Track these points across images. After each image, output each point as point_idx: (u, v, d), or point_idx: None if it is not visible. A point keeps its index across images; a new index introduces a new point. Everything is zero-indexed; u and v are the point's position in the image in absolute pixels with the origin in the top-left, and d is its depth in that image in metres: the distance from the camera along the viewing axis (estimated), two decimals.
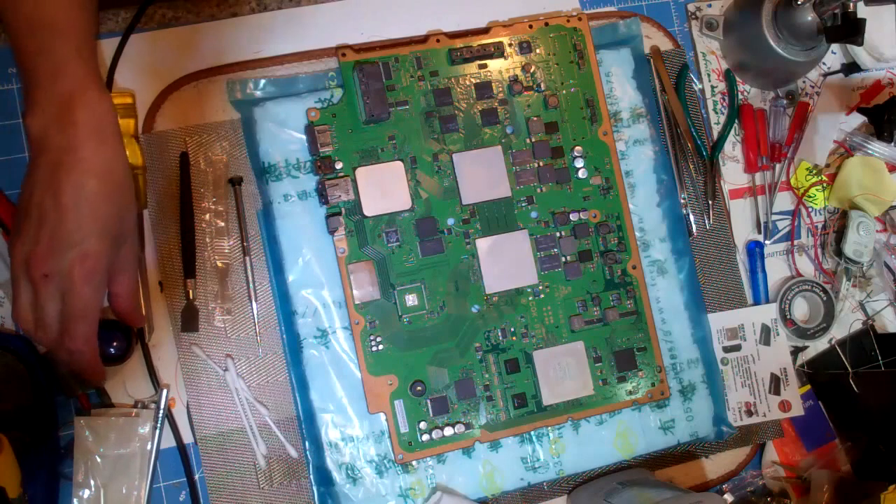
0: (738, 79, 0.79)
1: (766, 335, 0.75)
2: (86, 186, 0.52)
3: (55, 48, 0.53)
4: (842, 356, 0.76)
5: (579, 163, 0.71)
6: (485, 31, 0.71)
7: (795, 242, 0.79)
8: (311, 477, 0.66)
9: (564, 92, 0.71)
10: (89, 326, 0.55)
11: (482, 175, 0.69)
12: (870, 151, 0.80)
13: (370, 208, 0.67)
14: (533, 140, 0.70)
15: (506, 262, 0.69)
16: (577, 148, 0.71)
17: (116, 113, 0.55)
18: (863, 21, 0.68)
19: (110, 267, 0.55)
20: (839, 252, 0.78)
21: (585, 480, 0.72)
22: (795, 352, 0.77)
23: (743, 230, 0.78)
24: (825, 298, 0.78)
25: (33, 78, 0.53)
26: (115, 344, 0.64)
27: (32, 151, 0.53)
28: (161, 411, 0.65)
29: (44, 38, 0.53)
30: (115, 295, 0.58)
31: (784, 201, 0.80)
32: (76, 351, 0.55)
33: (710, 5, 0.79)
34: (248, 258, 0.68)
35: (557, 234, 0.70)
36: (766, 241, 0.78)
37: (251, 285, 0.67)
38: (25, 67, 0.54)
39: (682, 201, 0.75)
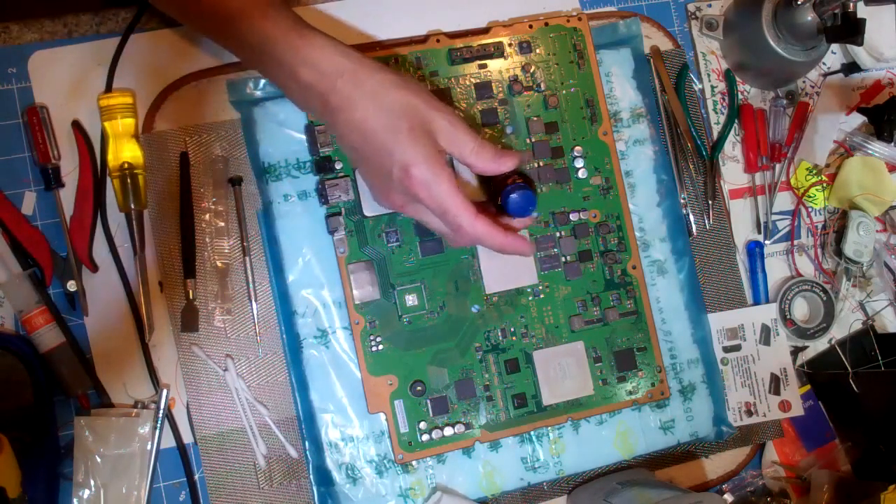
0: (738, 79, 0.79)
1: (766, 335, 0.75)
2: (367, 118, 0.56)
3: (285, 21, 0.57)
4: (842, 356, 0.76)
5: (579, 163, 0.71)
6: (485, 31, 0.71)
7: (795, 242, 0.79)
8: (311, 477, 0.66)
9: (564, 92, 0.71)
10: (461, 209, 0.57)
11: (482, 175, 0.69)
12: (870, 151, 0.80)
13: (370, 208, 0.67)
14: (533, 140, 0.70)
15: (506, 262, 0.69)
16: (577, 148, 0.71)
17: (352, 48, 0.58)
18: (863, 21, 0.68)
19: (434, 153, 0.57)
20: (839, 252, 0.78)
21: (585, 480, 0.72)
22: (795, 352, 0.77)
23: (743, 230, 0.78)
24: (825, 298, 0.78)
25: (279, 54, 0.57)
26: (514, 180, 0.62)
27: (319, 111, 0.59)
28: (161, 411, 0.65)
29: (262, 28, 0.57)
30: (471, 164, 0.60)
31: (784, 201, 0.80)
32: (473, 237, 0.58)
33: (710, 5, 0.79)
34: (248, 258, 0.68)
35: (557, 234, 0.70)
36: (766, 241, 0.78)
37: (251, 285, 0.67)
38: (264, 50, 0.57)
39: (682, 201, 0.75)
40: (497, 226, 0.59)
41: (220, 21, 0.58)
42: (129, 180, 0.66)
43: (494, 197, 0.63)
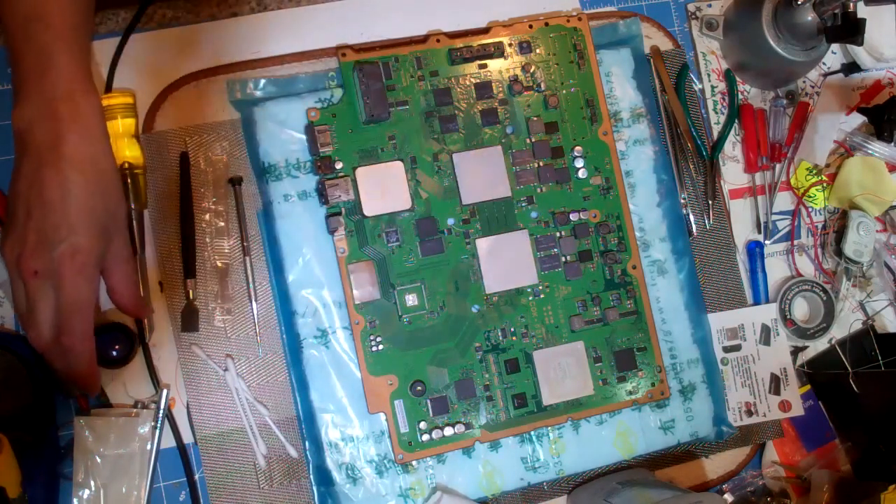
0: (738, 79, 0.79)
1: (766, 335, 0.75)
2: (70, 180, 0.52)
3: (44, 43, 0.53)
4: (842, 356, 0.76)
5: (579, 163, 0.71)
6: (485, 31, 0.71)
7: (795, 242, 0.79)
8: (311, 477, 0.66)
9: (564, 92, 0.71)
10: (85, 322, 0.54)
11: (482, 175, 0.69)
12: (870, 151, 0.80)
13: (370, 208, 0.67)
14: (533, 140, 0.70)
15: (506, 262, 0.69)
16: (577, 148, 0.71)
17: (102, 110, 0.55)
18: (863, 21, 0.68)
19: (102, 260, 0.54)
20: (839, 252, 0.78)
21: (585, 480, 0.72)
22: (795, 352, 0.77)
23: (743, 230, 0.78)
24: (825, 298, 0.78)
25: (21, 72, 0.53)
26: (116, 347, 0.64)
27: (17, 147, 0.53)
28: (161, 411, 0.65)
29: (34, 33, 0.53)
30: (112, 289, 0.57)
31: (784, 201, 0.80)
32: (72, 349, 0.54)
33: (710, 5, 0.79)
34: (248, 258, 0.68)
35: (557, 234, 0.70)
36: (766, 241, 0.78)
37: (251, 285, 0.67)
38: (15, 61, 0.54)
39: (682, 201, 0.75)
40: (93, 360, 0.56)
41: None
42: (129, 180, 0.66)
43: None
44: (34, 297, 0.53)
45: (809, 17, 0.72)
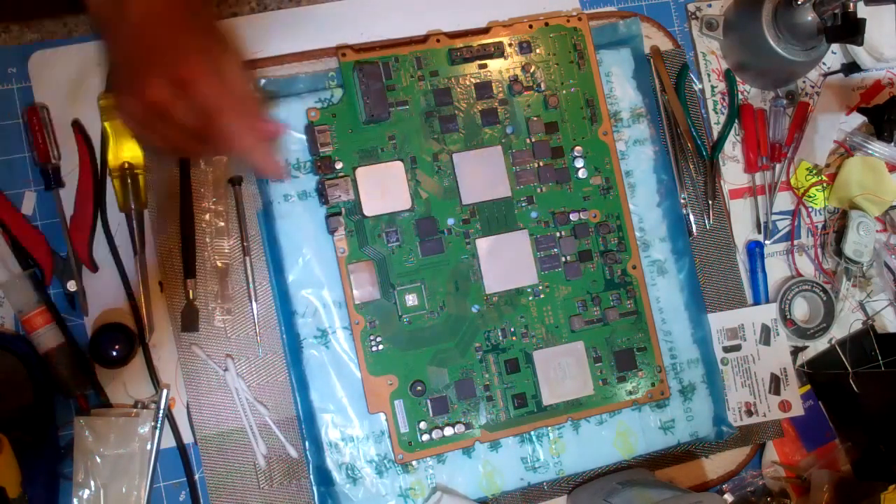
0: (738, 79, 0.79)
1: (766, 335, 0.75)
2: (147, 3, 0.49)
3: None
4: (842, 356, 0.76)
5: (579, 163, 0.71)
6: (485, 31, 0.71)
7: (795, 242, 0.79)
8: (311, 477, 0.66)
9: (564, 92, 0.71)
10: (242, 102, 0.50)
11: (482, 175, 0.69)
12: (870, 151, 0.80)
13: (370, 208, 0.67)
14: (533, 140, 0.70)
15: (506, 262, 0.69)
16: (577, 148, 0.71)
17: None
18: (863, 21, 0.68)
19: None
20: (839, 252, 0.78)
21: (585, 480, 0.72)
22: (795, 352, 0.77)
23: (743, 230, 0.78)
24: (825, 298, 0.77)
25: None
26: (116, 347, 0.64)
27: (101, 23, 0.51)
28: (161, 411, 0.65)
29: None
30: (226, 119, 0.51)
31: (784, 201, 0.80)
32: (243, 143, 0.50)
33: (710, 5, 0.79)
34: (248, 258, 0.68)
35: (557, 234, 0.70)
36: (766, 241, 0.78)
37: (251, 285, 0.67)
38: None
39: (682, 201, 0.75)
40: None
41: None
42: (129, 180, 0.66)
43: None
44: (175, 121, 0.49)
45: (809, 17, 0.72)
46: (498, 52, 0.70)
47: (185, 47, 0.50)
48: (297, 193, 0.67)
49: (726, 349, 0.75)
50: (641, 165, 0.74)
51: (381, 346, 0.67)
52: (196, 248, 0.67)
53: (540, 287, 0.69)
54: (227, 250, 0.68)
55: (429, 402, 0.67)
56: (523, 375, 0.69)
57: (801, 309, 0.79)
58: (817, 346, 0.78)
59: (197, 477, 0.67)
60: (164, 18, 0.51)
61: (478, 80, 0.70)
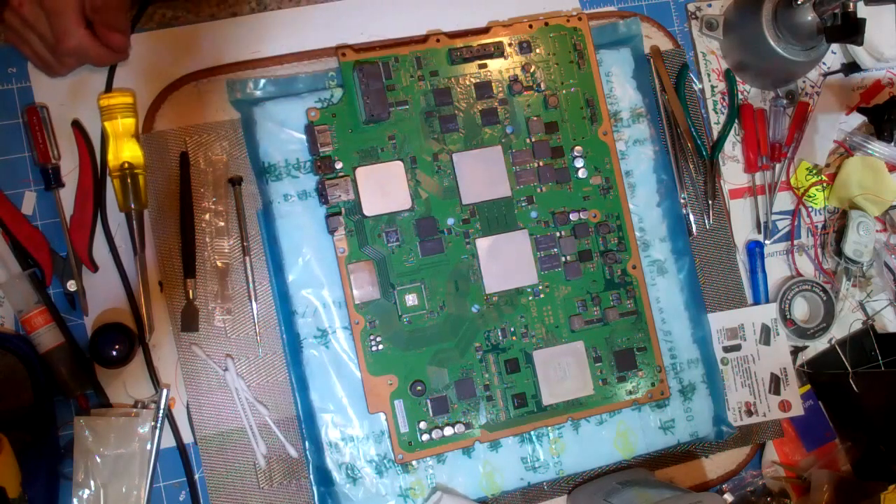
0: (738, 79, 0.79)
1: (766, 335, 0.75)
2: None
3: None
4: (842, 356, 0.76)
5: (579, 163, 0.71)
6: (485, 30, 0.71)
7: (795, 242, 0.79)
8: (311, 477, 0.66)
9: (564, 92, 0.71)
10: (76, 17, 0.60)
11: (482, 175, 0.69)
12: (870, 151, 0.80)
13: (370, 208, 0.67)
14: (533, 140, 0.70)
15: (506, 262, 0.69)
16: (577, 148, 0.71)
17: None
18: (863, 21, 0.68)
19: None
20: (839, 252, 0.78)
21: (585, 480, 0.72)
22: (795, 352, 0.77)
23: (743, 230, 0.78)
24: (825, 298, 0.78)
25: None
26: (116, 347, 0.64)
27: None
28: (161, 411, 0.65)
29: None
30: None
31: (784, 201, 0.80)
32: (79, 47, 0.61)
33: (710, 5, 0.79)
34: (248, 258, 0.68)
35: (557, 234, 0.70)
36: (766, 241, 0.78)
37: (251, 285, 0.67)
38: None
39: (682, 201, 0.75)
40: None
41: None
42: (129, 180, 0.66)
43: None
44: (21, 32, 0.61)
45: (809, 17, 0.72)
46: (498, 52, 0.70)
47: None
48: (297, 193, 0.67)
49: (726, 349, 0.75)
50: (641, 165, 0.74)
51: (381, 346, 0.67)
52: (196, 248, 0.67)
53: (540, 287, 0.69)
54: (227, 250, 0.68)
55: (429, 402, 0.67)
56: (523, 375, 0.69)
57: (801, 309, 0.79)
58: (817, 346, 0.78)
59: (197, 477, 0.67)
60: None
61: (478, 80, 0.70)
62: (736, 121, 0.79)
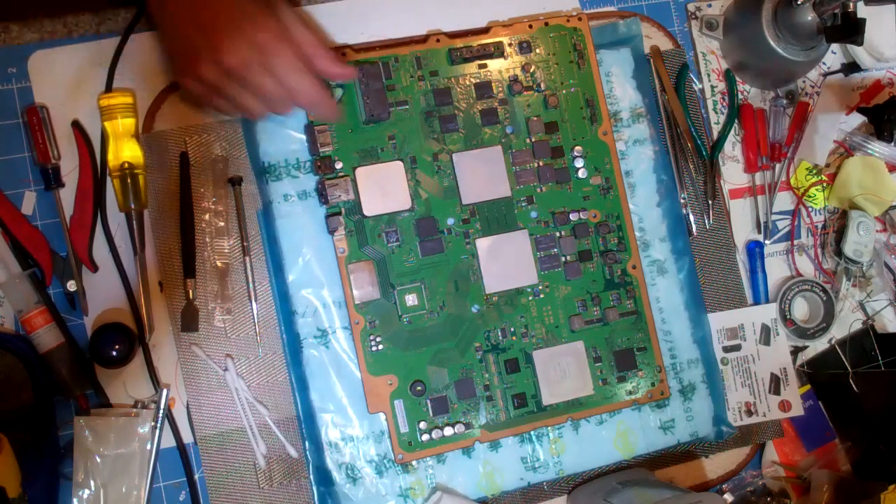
0: (738, 79, 0.79)
1: (766, 335, 0.75)
2: None
3: None
4: (842, 356, 0.76)
5: (579, 163, 0.71)
6: (485, 31, 0.71)
7: (795, 242, 0.79)
8: (311, 477, 0.66)
9: (564, 92, 0.71)
10: (307, 74, 0.59)
11: (482, 175, 0.69)
12: (870, 151, 0.80)
13: (370, 208, 0.67)
14: (533, 140, 0.70)
15: (506, 262, 0.69)
16: (577, 148, 0.71)
17: None
18: (863, 21, 0.68)
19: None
20: (839, 252, 0.78)
21: (585, 480, 0.72)
22: (795, 352, 0.77)
23: (743, 230, 0.78)
24: (825, 298, 0.78)
25: None
26: (116, 347, 0.64)
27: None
28: (161, 411, 0.65)
29: None
30: (312, 60, 0.60)
31: (784, 201, 0.80)
32: (308, 95, 0.60)
33: (710, 5, 0.79)
34: (248, 258, 0.68)
35: (557, 234, 0.70)
36: (766, 241, 0.78)
37: (251, 285, 0.67)
38: None
39: (682, 201, 0.75)
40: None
41: None
42: (129, 180, 0.66)
43: None
44: (255, 82, 0.58)
45: (809, 17, 0.72)
46: (498, 52, 0.70)
47: (252, 11, 0.56)
48: (297, 193, 0.67)
49: (726, 349, 0.75)
50: (641, 165, 0.74)
51: (380, 346, 0.67)
52: (196, 248, 0.67)
53: (540, 287, 0.69)
54: (227, 250, 0.68)
55: (429, 402, 0.67)
56: (523, 375, 0.69)
57: (801, 309, 0.79)
58: (817, 346, 0.78)
59: (197, 477, 0.67)
60: None
61: (478, 80, 0.70)
62: (736, 121, 0.79)
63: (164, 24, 0.60)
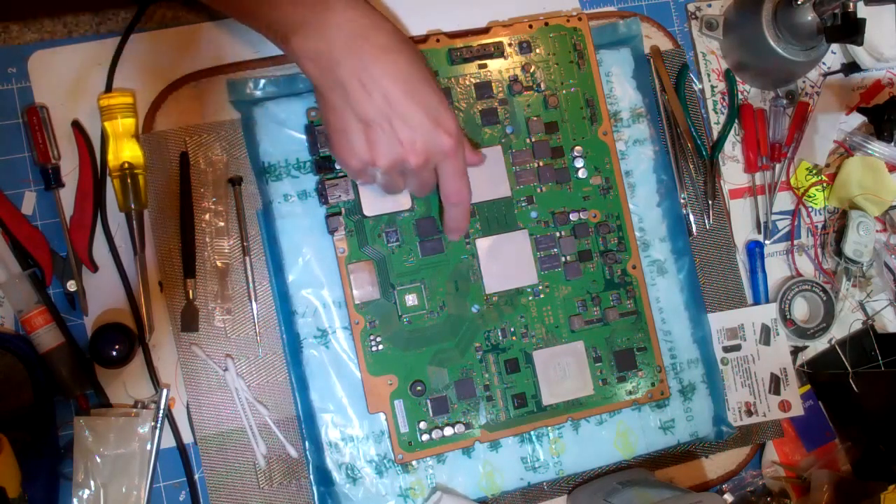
0: (738, 79, 0.79)
1: (766, 335, 0.75)
2: (398, 64, 0.55)
3: None
4: (842, 356, 0.76)
5: (579, 163, 0.71)
6: (485, 31, 0.71)
7: (795, 242, 0.79)
8: (311, 477, 0.66)
9: (564, 92, 0.71)
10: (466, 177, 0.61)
11: (482, 175, 0.69)
12: (870, 151, 0.80)
13: (370, 208, 0.67)
14: (533, 140, 0.70)
15: (506, 262, 0.69)
16: (577, 148, 0.71)
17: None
18: (863, 21, 0.68)
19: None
20: (839, 252, 0.78)
21: (585, 480, 0.72)
22: (795, 352, 0.77)
23: (743, 230, 0.78)
24: (825, 298, 0.78)
25: (280, 14, 0.55)
26: (116, 347, 0.64)
27: (318, 69, 0.56)
28: (161, 411, 0.65)
29: None
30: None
31: (784, 201, 0.80)
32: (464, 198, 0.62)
33: (710, 5, 0.79)
34: (248, 258, 0.68)
35: (557, 234, 0.70)
36: (766, 241, 0.78)
37: (251, 285, 0.67)
38: (266, 16, 0.56)
39: (682, 201, 0.75)
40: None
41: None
42: (129, 180, 0.66)
43: None
44: (424, 181, 0.60)
45: (809, 17, 0.72)
46: (498, 52, 0.70)
47: (439, 101, 0.57)
48: (297, 193, 0.67)
49: (726, 349, 0.75)
50: (641, 165, 0.74)
51: (380, 346, 0.67)
52: (196, 248, 0.67)
53: (540, 287, 0.69)
54: (227, 250, 0.68)
55: (429, 402, 0.67)
56: (523, 375, 0.69)
57: (801, 309, 0.79)
58: (817, 346, 0.78)
59: (197, 477, 0.67)
60: (415, 77, 0.56)
61: (478, 80, 0.70)
62: (736, 121, 0.79)
63: (337, 101, 0.57)
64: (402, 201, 0.67)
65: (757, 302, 0.77)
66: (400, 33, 0.57)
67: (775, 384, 0.75)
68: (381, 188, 0.63)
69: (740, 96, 0.79)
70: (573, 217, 0.70)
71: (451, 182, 0.60)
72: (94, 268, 0.66)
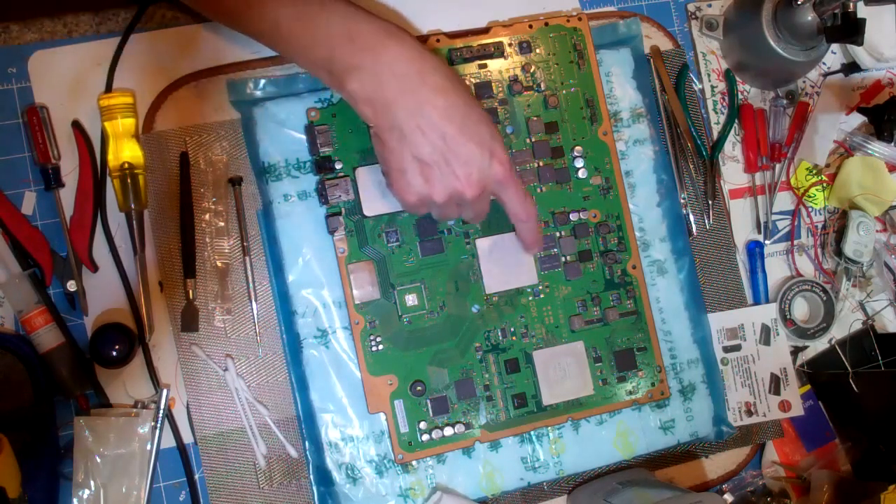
0: (738, 79, 0.79)
1: (766, 335, 0.75)
2: (453, 105, 0.57)
3: (333, 21, 0.57)
4: (842, 356, 0.76)
5: (579, 163, 0.71)
6: (485, 31, 0.71)
7: (795, 242, 0.79)
8: (311, 477, 0.66)
9: (564, 92, 0.71)
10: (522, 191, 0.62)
11: None
12: (870, 151, 0.80)
13: (370, 208, 0.67)
14: (533, 140, 0.70)
15: (506, 262, 0.69)
16: (577, 148, 0.71)
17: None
18: (863, 21, 0.68)
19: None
20: (839, 252, 0.78)
21: (585, 480, 0.72)
22: (795, 352, 0.77)
23: (743, 230, 0.78)
24: (825, 298, 0.78)
25: (324, 50, 0.56)
26: (116, 347, 0.64)
27: (374, 112, 0.57)
28: (161, 411, 0.65)
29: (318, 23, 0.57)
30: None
31: (784, 201, 0.80)
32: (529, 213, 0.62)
33: (710, 5, 0.79)
34: (248, 258, 0.68)
35: (557, 234, 0.70)
36: (766, 241, 0.78)
37: (251, 285, 0.67)
38: (321, 59, 0.57)
39: (682, 201, 0.75)
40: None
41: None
42: (129, 180, 0.66)
43: None
44: (479, 210, 0.61)
45: (809, 17, 0.72)
46: (498, 52, 0.70)
47: (480, 138, 0.57)
48: (297, 193, 0.67)
49: (726, 349, 0.75)
50: (641, 165, 0.74)
51: (380, 346, 0.67)
52: (196, 248, 0.67)
53: (540, 287, 0.69)
54: (227, 250, 0.68)
55: (429, 402, 0.67)
56: (523, 375, 0.69)
57: (801, 309, 0.79)
58: (817, 346, 0.78)
59: (197, 477, 0.67)
60: (468, 114, 0.57)
61: (478, 80, 0.70)
62: (736, 121, 0.79)
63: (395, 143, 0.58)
64: None
65: (757, 302, 0.77)
66: (450, 69, 0.58)
67: (775, 384, 0.75)
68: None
69: (740, 96, 0.79)
70: (573, 217, 0.70)
71: (515, 205, 0.61)
72: (94, 268, 0.66)
